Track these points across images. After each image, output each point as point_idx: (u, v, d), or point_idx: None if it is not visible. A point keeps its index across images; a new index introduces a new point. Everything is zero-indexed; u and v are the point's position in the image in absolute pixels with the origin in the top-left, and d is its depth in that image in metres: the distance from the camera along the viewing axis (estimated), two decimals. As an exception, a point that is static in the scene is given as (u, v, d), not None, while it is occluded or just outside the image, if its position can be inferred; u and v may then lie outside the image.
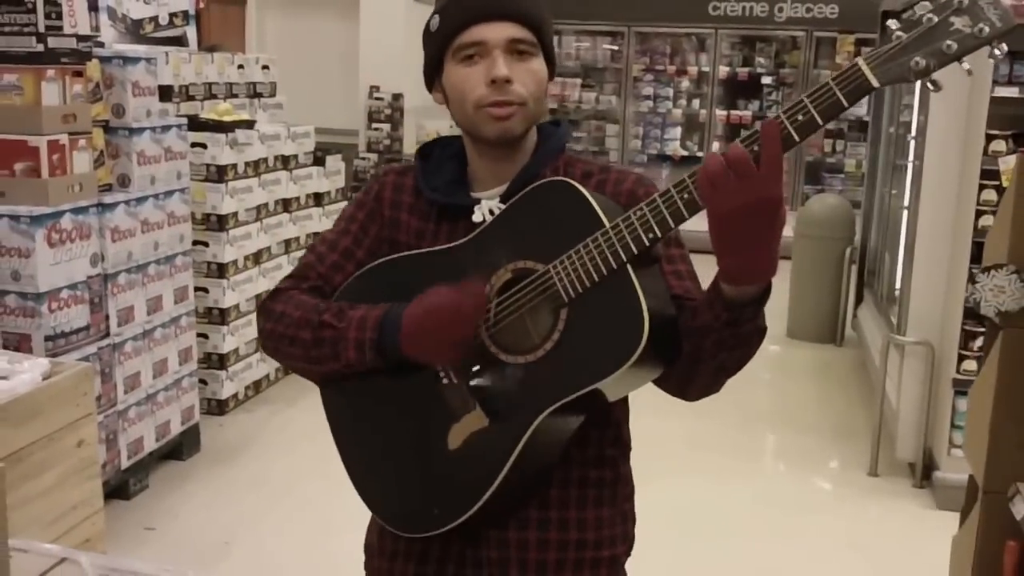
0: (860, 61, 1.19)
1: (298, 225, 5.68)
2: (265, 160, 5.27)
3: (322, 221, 5.87)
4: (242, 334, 5.16)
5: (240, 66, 5.76)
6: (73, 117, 3.59)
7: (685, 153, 10.76)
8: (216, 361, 5.02)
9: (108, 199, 3.81)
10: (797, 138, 1.19)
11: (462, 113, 1.51)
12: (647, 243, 1.30)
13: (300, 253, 5.62)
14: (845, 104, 1.18)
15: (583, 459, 1.55)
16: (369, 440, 1.57)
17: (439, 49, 1.51)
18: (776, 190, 1.19)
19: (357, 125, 9.50)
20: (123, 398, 3.97)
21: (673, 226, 1.29)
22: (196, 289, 4.68)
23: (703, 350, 1.35)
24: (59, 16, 3.53)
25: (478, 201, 1.54)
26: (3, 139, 3.47)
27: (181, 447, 4.46)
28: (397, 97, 9.41)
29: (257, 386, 5.38)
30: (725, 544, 3.94)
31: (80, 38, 3.67)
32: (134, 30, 5.04)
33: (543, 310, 1.40)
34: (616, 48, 10.84)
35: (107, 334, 3.85)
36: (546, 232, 1.40)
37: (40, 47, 3.48)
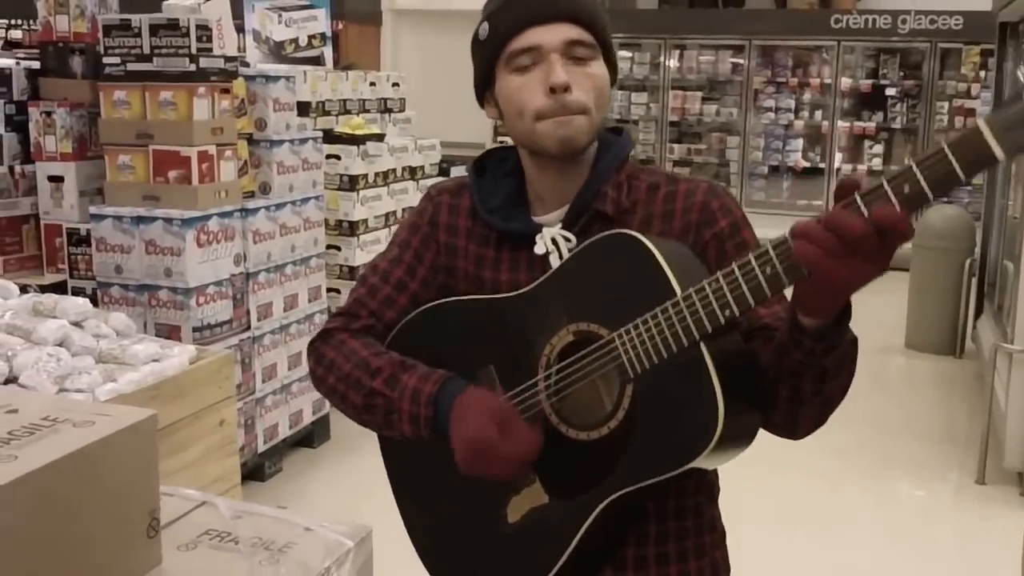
0: (981, 123, 0.97)
1: (423, 232, 5.99)
2: (394, 171, 5.60)
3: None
4: (369, 333, 5.49)
5: (372, 83, 6.13)
6: (221, 130, 3.97)
7: (807, 164, 10.74)
8: (345, 358, 5.35)
9: (251, 204, 4.19)
10: (901, 211, 1.01)
11: (520, 127, 1.38)
12: (722, 321, 1.15)
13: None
14: (962, 178, 0.99)
15: (661, 512, 1.42)
16: (429, 500, 1.49)
17: (490, 58, 1.40)
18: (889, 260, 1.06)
19: (483, 139, 9.82)
20: (261, 387, 4.33)
21: (753, 304, 1.13)
22: (328, 290, 5.04)
23: (802, 391, 1.20)
24: (209, 39, 3.91)
25: (539, 228, 1.42)
26: (159, 149, 3.88)
27: (312, 435, 4.81)
28: (521, 111, 9.68)
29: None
30: (833, 547, 4.04)
31: (227, 59, 4.05)
32: (276, 51, 5.45)
33: (608, 381, 1.28)
34: (739, 61, 10.90)
35: (248, 327, 4.21)
36: (612, 293, 1.27)
37: (192, 67, 3.87)
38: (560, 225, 1.41)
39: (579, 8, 1.36)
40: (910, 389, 6.18)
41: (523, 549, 1.34)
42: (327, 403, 4.88)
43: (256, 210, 4.21)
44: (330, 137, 5.22)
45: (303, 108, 5.05)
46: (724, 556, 1.53)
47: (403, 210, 5.75)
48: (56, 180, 4.10)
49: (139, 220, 3.84)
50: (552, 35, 1.34)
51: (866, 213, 1.01)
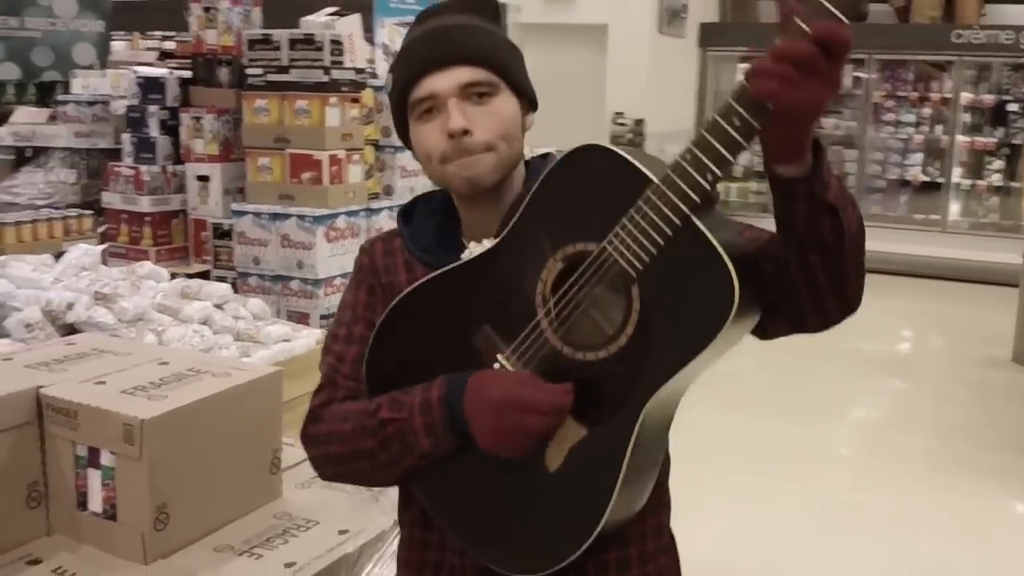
0: None
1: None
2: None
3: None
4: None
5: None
6: (350, 136, 4.35)
7: (926, 179, 10.64)
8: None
9: (375, 205, 4.55)
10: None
11: (430, 171, 1.41)
12: (707, 186, 1.15)
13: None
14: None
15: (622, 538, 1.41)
16: (466, 495, 1.39)
17: (399, 109, 1.43)
18: (841, 74, 1.09)
19: (601, 148, 10.06)
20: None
21: (732, 159, 1.13)
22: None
23: (827, 243, 1.17)
24: (341, 53, 4.28)
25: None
26: (295, 153, 4.27)
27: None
28: (639, 122, 9.91)
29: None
30: (934, 555, 4.17)
31: (357, 71, 4.43)
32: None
33: (610, 293, 1.27)
34: (859, 75, 10.88)
35: (368, 318, 4.57)
36: (588, 206, 1.25)
37: (326, 78, 4.25)
38: (494, 239, 1.39)
39: (471, 49, 1.37)
40: (1015, 404, 6.16)
41: (573, 490, 1.29)
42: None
43: (380, 210, 4.57)
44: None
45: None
46: (671, 562, 1.52)
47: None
48: (203, 179, 4.55)
49: (275, 217, 4.25)
50: (446, 81, 1.35)
51: (808, 31, 1.04)
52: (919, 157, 10.73)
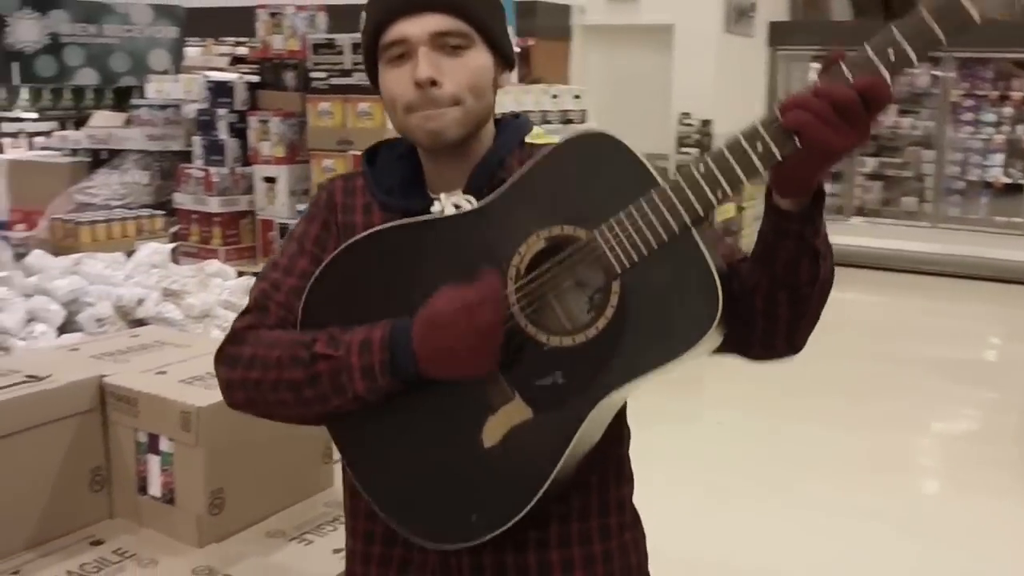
0: None
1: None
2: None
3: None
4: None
5: (554, 96, 6.48)
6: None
7: (1008, 181, 10.39)
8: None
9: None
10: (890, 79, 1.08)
11: (394, 119, 1.35)
12: (715, 202, 1.15)
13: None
14: (942, 39, 1.06)
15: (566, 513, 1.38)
16: (390, 447, 1.34)
17: (369, 50, 1.36)
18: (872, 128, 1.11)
19: (667, 150, 10.03)
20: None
21: (746, 181, 1.13)
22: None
23: (800, 282, 1.19)
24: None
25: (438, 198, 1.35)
26: (357, 154, 4.33)
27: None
28: (706, 123, 9.85)
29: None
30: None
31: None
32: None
33: (590, 283, 1.25)
34: (937, 73, 10.68)
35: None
36: (585, 193, 1.22)
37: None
38: (461, 193, 1.35)
39: None
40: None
41: (505, 471, 1.26)
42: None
43: (441, 210, 4.62)
44: (513, 145, 5.59)
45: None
46: (634, 538, 1.47)
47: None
48: (270, 181, 4.66)
49: (338, 217, 4.32)
50: (418, 26, 1.29)
51: (851, 80, 1.07)
52: (1000, 158, 10.47)
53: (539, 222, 1.24)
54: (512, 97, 6.02)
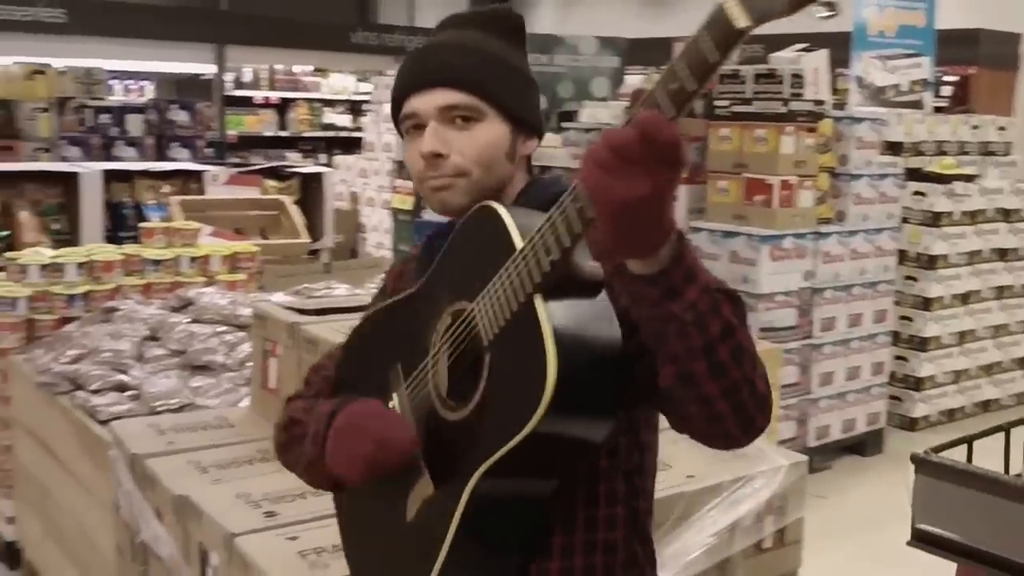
0: None
1: (1013, 274, 6.07)
2: (983, 211, 5.80)
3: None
4: (939, 363, 5.75)
5: (975, 127, 6.33)
6: (803, 163, 4.66)
7: None
8: (912, 383, 5.69)
9: (824, 229, 4.80)
10: (674, 113, 0.97)
11: (415, 187, 1.42)
12: (549, 268, 1.08)
13: (1013, 300, 6.06)
14: (717, 57, 0.94)
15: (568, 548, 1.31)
16: (352, 519, 1.49)
17: (395, 120, 1.43)
18: (673, 172, 0.99)
19: None
20: (816, 389, 4.92)
21: (570, 244, 1.06)
22: (901, 318, 5.44)
23: (680, 359, 1.09)
24: (801, 86, 4.62)
25: None
26: (750, 178, 4.68)
27: (864, 444, 5.25)
28: None
29: (951, 414, 5.90)
30: None
31: (816, 102, 4.72)
32: (876, 95, 5.96)
33: (473, 355, 1.23)
34: None
35: (809, 336, 4.83)
36: (474, 265, 1.22)
37: (784, 109, 4.60)
38: None
39: (455, 72, 1.34)
40: None
41: (414, 544, 1.28)
42: (882, 419, 5.30)
43: (829, 234, 4.81)
44: (917, 175, 5.60)
45: (895, 147, 5.52)
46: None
47: (991, 250, 5.89)
48: (670, 198, 5.10)
49: (727, 235, 4.69)
50: (426, 102, 1.34)
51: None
52: None
53: (448, 298, 1.28)
54: (925, 127, 6.00)
